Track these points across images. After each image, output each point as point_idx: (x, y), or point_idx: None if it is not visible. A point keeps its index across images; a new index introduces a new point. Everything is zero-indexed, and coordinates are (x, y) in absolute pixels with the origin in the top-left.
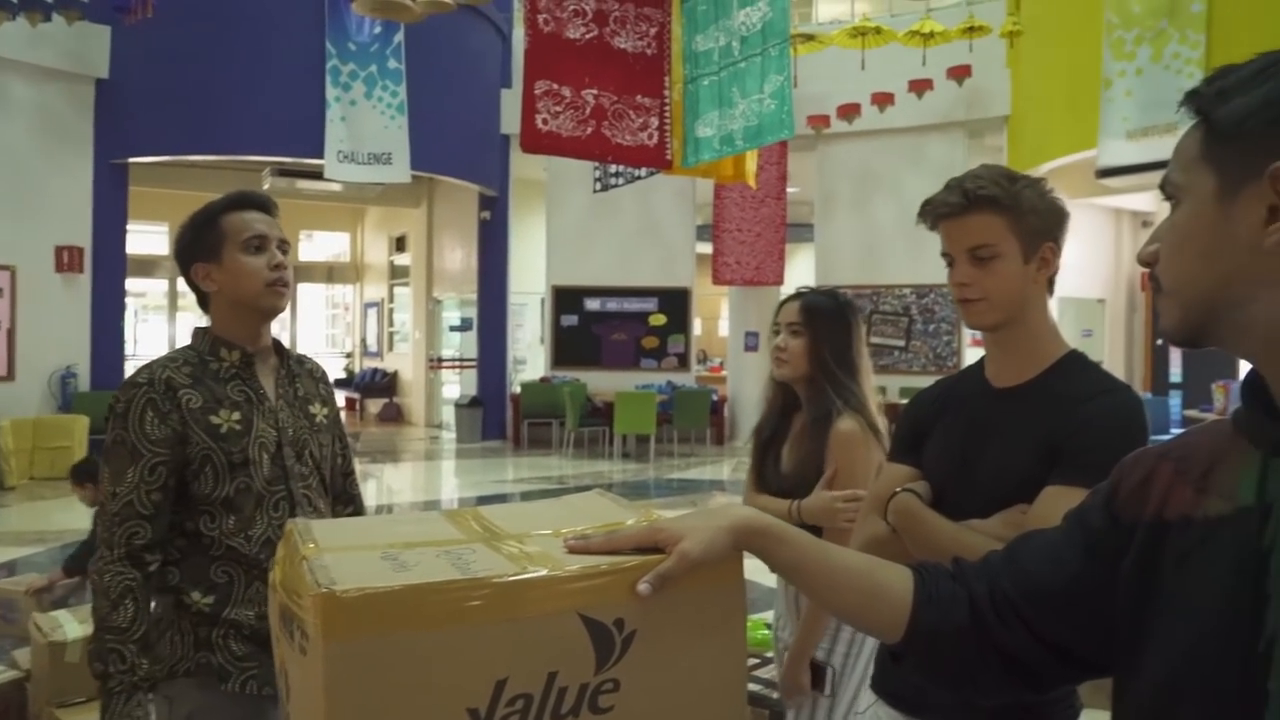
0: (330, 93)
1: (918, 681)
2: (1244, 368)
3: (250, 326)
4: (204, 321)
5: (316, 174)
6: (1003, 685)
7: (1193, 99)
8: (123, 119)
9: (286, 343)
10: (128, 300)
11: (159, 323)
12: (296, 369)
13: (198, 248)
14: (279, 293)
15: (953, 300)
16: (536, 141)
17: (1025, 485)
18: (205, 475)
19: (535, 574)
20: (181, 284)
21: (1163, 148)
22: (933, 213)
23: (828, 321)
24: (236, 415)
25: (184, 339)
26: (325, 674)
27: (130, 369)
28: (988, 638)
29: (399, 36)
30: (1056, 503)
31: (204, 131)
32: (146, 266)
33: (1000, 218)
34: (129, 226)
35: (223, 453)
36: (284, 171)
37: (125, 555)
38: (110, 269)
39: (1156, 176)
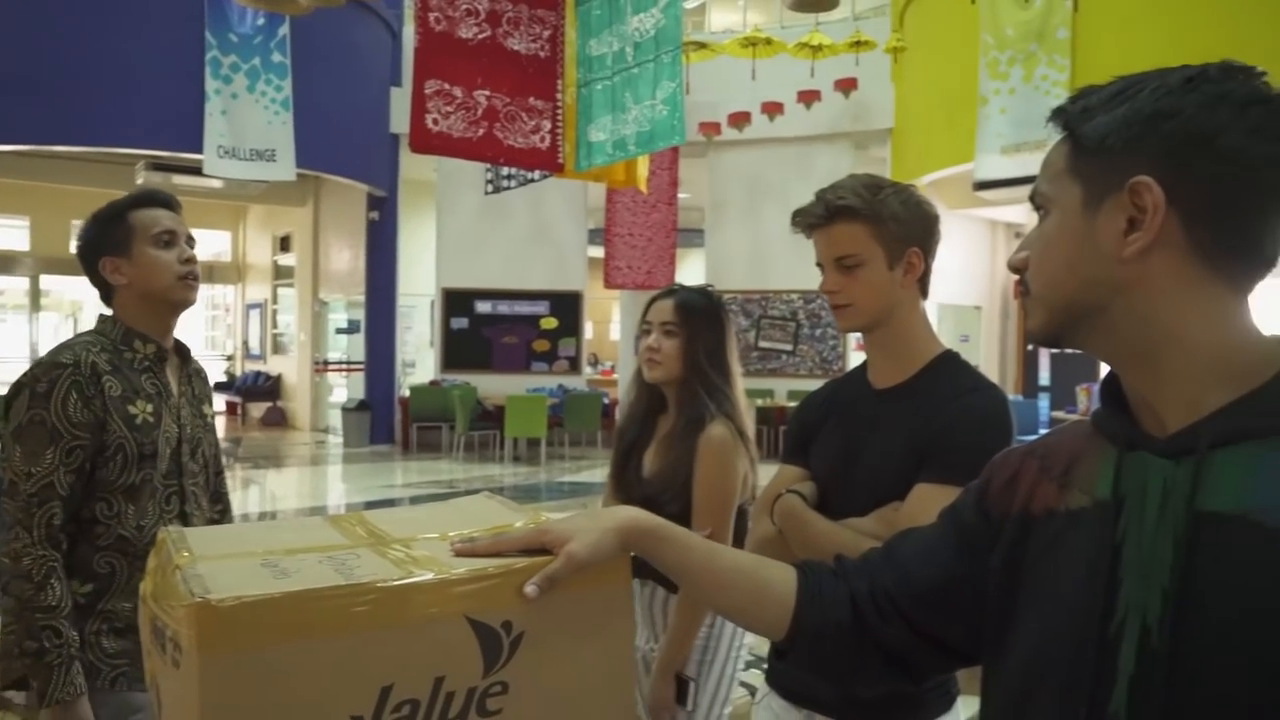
0: (210, 85)
1: (805, 675)
2: (1105, 371)
3: (160, 320)
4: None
5: (195, 169)
6: (883, 677)
7: (1059, 115)
8: None
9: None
10: None
11: (19, 322)
12: (192, 367)
13: (105, 242)
14: (190, 285)
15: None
16: (427, 142)
17: (900, 483)
18: (115, 462)
19: (421, 578)
20: (45, 281)
21: (1034, 163)
22: (801, 222)
23: (703, 321)
24: (150, 407)
25: (48, 340)
26: (200, 688)
27: None
28: (868, 632)
29: (284, 30)
30: (925, 500)
31: (70, 121)
32: (4, 263)
33: (862, 227)
34: None
35: (135, 443)
36: (159, 166)
37: (45, 537)
38: None
39: (1029, 190)
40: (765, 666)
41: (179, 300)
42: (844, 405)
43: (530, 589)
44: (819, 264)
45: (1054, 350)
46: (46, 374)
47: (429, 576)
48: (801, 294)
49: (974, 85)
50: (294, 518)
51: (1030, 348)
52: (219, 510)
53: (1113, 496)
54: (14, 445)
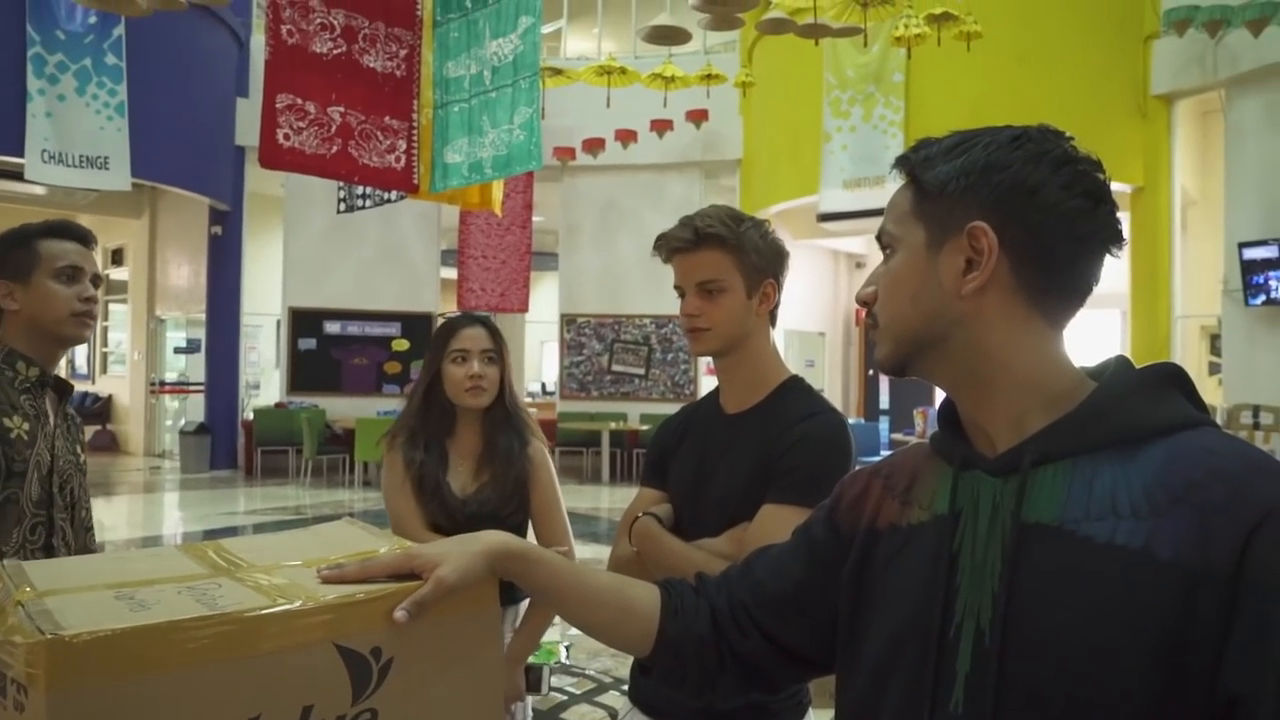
0: (33, 84)
1: (667, 690)
2: (939, 396)
3: (46, 351)
4: None
5: (15, 173)
6: (741, 688)
7: (904, 163)
8: None
9: None
10: None
11: None
12: (69, 406)
13: (7, 266)
14: (85, 324)
15: (682, 330)
16: (277, 157)
17: (749, 504)
18: None
19: (287, 605)
20: None
21: (873, 197)
22: (666, 246)
23: (506, 346)
24: (26, 426)
25: None
26: None
27: None
28: (727, 645)
29: (119, 30)
30: (771, 519)
31: None
32: None
33: (727, 255)
34: None
35: (4, 457)
36: None
37: None
38: None
39: (869, 222)
40: (625, 687)
41: (69, 336)
42: (698, 429)
43: (400, 614)
44: (677, 287)
45: (894, 377)
46: None
47: (297, 604)
48: (654, 319)
49: (818, 121)
50: (143, 548)
51: (871, 373)
52: (86, 541)
53: (950, 511)
54: None
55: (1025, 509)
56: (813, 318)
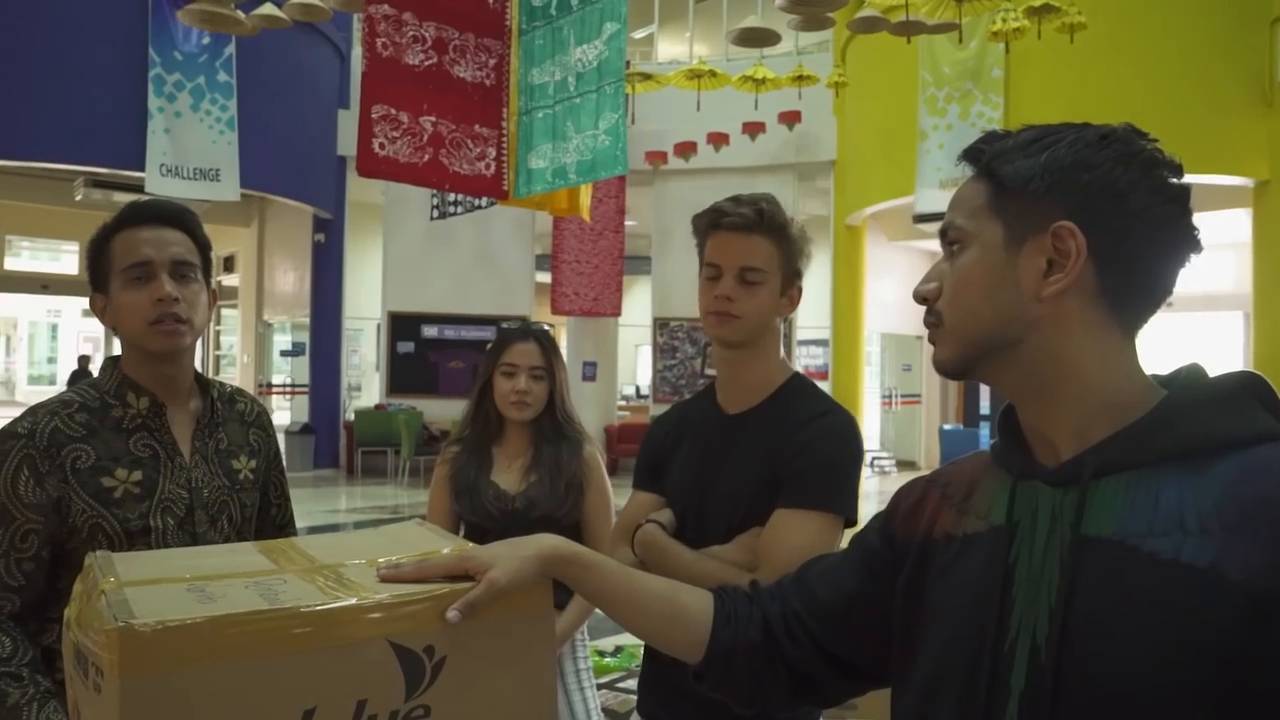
0: (153, 103)
1: (681, 706)
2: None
3: (154, 370)
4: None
5: (136, 187)
6: (793, 698)
7: (976, 155)
8: None
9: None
10: None
11: None
12: (224, 413)
13: (93, 275)
14: (167, 331)
15: (705, 311)
16: (373, 166)
17: (757, 507)
18: (96, 543)
19: (344, 602)
20: None
21: None
22: (716, 221)
23: (558, 359)
24: (137, 475)
25: None
26: (121, 712)
27: None
28: (779, 655)
29: (230, 49)
30: (786, 525)
31: (5, 135)
32: None
33: (777, 247)
34: None
35: (117, 520)
36: (99, 183)
37: None
38: None
39: None
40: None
41: (154, 350)
42: (695, 430)
43: (452, 614)
44: (712, 264)
45: (954, 380)
46: (1, 445)
47: (352, 601)
48: None
49: (913, 120)
50: (223, 544)
51: None
52: None
53: (1007, 522)
54: None
55: (1085, 522)
56: (909, 321)
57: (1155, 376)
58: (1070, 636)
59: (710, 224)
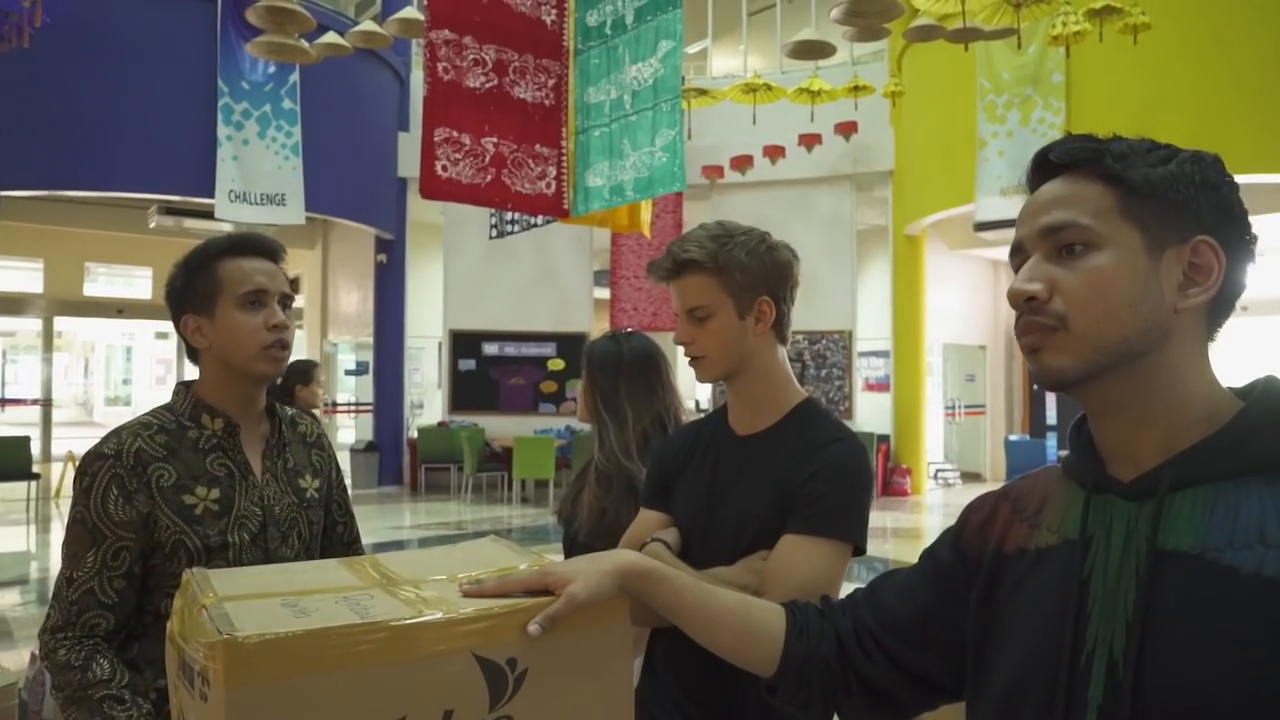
0: (222, 131)
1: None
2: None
3: (240, 391)
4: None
5: (205, 212)
6: (868, 712)
7: (1094, 156)
8: None
9: (171, 386)
10: None
11: (31, 363)
12: (288, 435)
13: (190, 296)
14: (275, 357)
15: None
16: (436, 188)
17: (765, 530)
18: (178, 560)
19: (431, 617)
20: (59, 323)
21: None
22: (653, 275)
23: (598, 368)
24: (215, 493)
25: (60, 381)
26: (227, 719)
27: (6, 414)
28: (853, 669)
29: (294, 77)
30: (793, 551)
31: (84, 166)
32: (17, 304)
33: (708, 278)
34: None
35: (198, 536)
36: (172, 210)
37: (84, 635)
38: None
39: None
40: None
41: (259, 373)
42: (705, 450)
43: (533, 628)
44: (676, 314)
45: (1058, 390)
46: (90, 466)
47: (438, 615)
48: (806, 334)
49: (972, 128)
50: (309, 562)
51: (1036, 387)
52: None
53: (1080, 536)
54: (64, 546)
55: (1162, 536)
56: (972, 330)
57: (1231, 388)
58: (1149, 651)
59: (656, 279)
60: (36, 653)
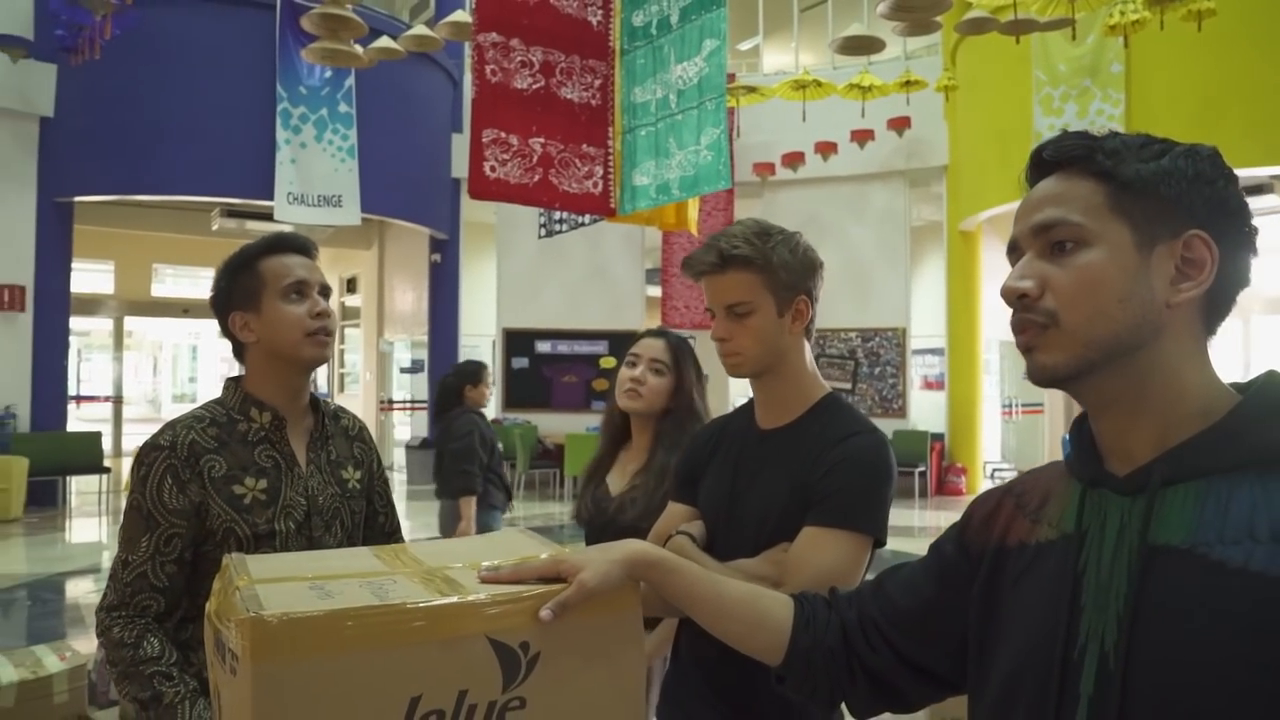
0: (280, 135)
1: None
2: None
3: (289, 381)
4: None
5: (265, 214)
6: (873, 702)
7: (1082, 150)
8: (68, 158)
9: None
10: (70, 339)
11: (103, 362)
12: (331, 428)
13: (235, 295)
14: (321, 343)
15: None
16: (485, 188)
17: (786, 522)
18: (229, 546)
19: (447, 600)
20: (129, 322)
21: None
22: (692, 270)
23: (689, 363)
24: (263, 484)
25: (130, 379)
26: (253, 692)
27: (73, 409)
28: (857, 659)
29: (350, 81)
30: (813, 543)
31: (151, 171)
32: (90, 305)
33: (754, 275)
34: (72, 265)
35: (247, 525)
36: (233, 213)
37: (136, 615)
38: (53, 308)
39: None
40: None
41: (307, 359)
42: (730, 444)
43: (545, 613)
44: (709, 309)
45: (1052, 387)
46: (146, 456)
47: (454, 599)
48: (859, 332)
49: (1028, 121)
50: (342, 549)
51: None
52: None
53: (1076, 530)
54: (120, 531)
55: (1153, 530)
56: None
57: (1233, 384)
58: (1138, 643)
59: (692, 275)
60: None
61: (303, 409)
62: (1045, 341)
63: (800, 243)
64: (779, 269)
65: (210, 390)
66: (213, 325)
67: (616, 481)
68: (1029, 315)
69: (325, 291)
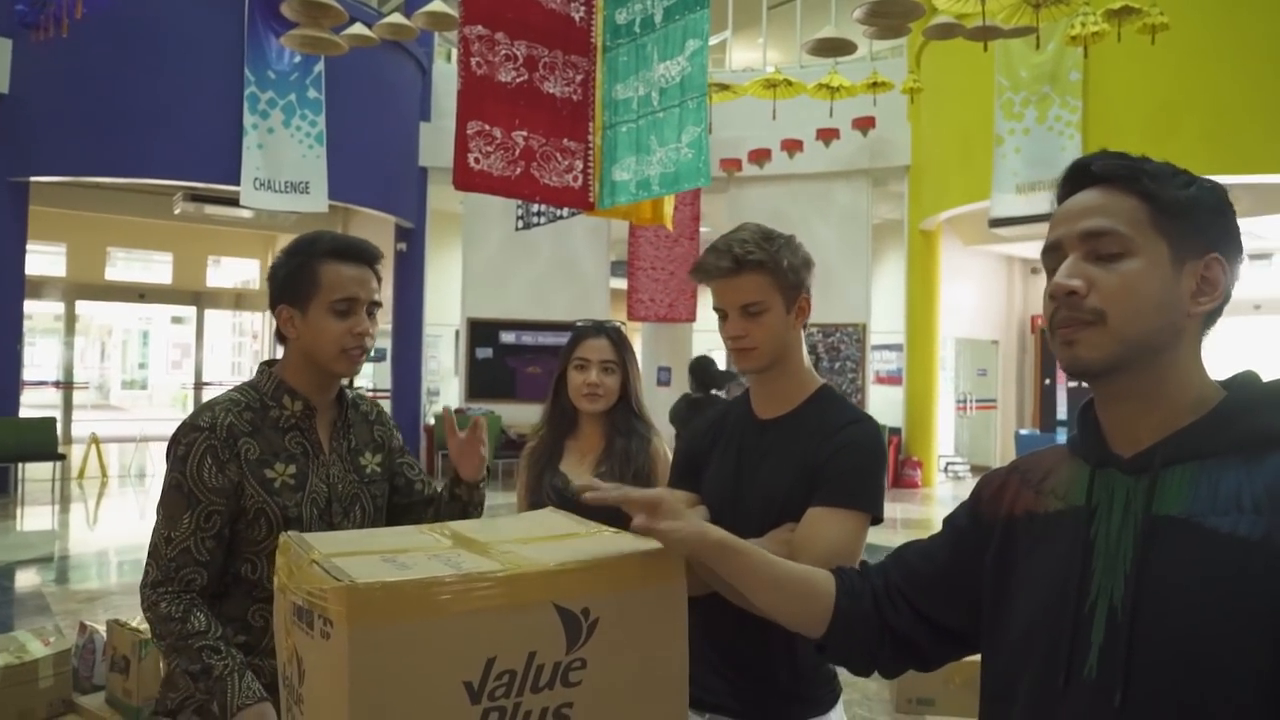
0: (248, 120)
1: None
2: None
3: (317, 381)
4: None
5: (228, 199)
6: (897, 660)
7: (1126, 170)
8: (24, 137)
9: (191, 373)
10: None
11: (48, 346)
12: (352, 416)
13: (289, 290)
14: (354, 359)
15: (728, 349)
16: (469, 180)
17: (790, 505)
18: (259, 526)
19: (518, 569)
20: (80, 306)
21: (1048, 201)
22: (706, 275)
23: (631, 354)
24: (292, 469)
25: (76, 364)
26: (350, 653)
27: (25, 396)
28: (884, 621)
29: (319, 67)
30: (819, 521)
31: (113, 153)
32: (38, 288)
33: (766, 277)
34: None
35: (277, 506)
36: (195, 196)
37: (183, 590)
38: (6, 291)
39: (1043, 227)
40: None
41: (338, 372)
42: (730, 434)
43: (639, 521)
44: (718, 309)
45: (1071, 384)
46: (185, 436)
47: (527, 569)
48: (820, 327)
49: (989, 125)
50: (383, 529)
51: (1048, 382)
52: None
53: (1087, 503)
54: (159, 509)
55: (1156, 503)
56: (985, 325)
57: (1217, 380)
58: (1143, 597)
59: (699, 276)
60: (85, 622)
61: (331, 401)
62: (1087, 338)
63: (798, 244)
64: (787, 270)
65: (160, 377)
66: (165, 311)
67: (574, 470)
68: (1075, 313)
69: (373, 309)
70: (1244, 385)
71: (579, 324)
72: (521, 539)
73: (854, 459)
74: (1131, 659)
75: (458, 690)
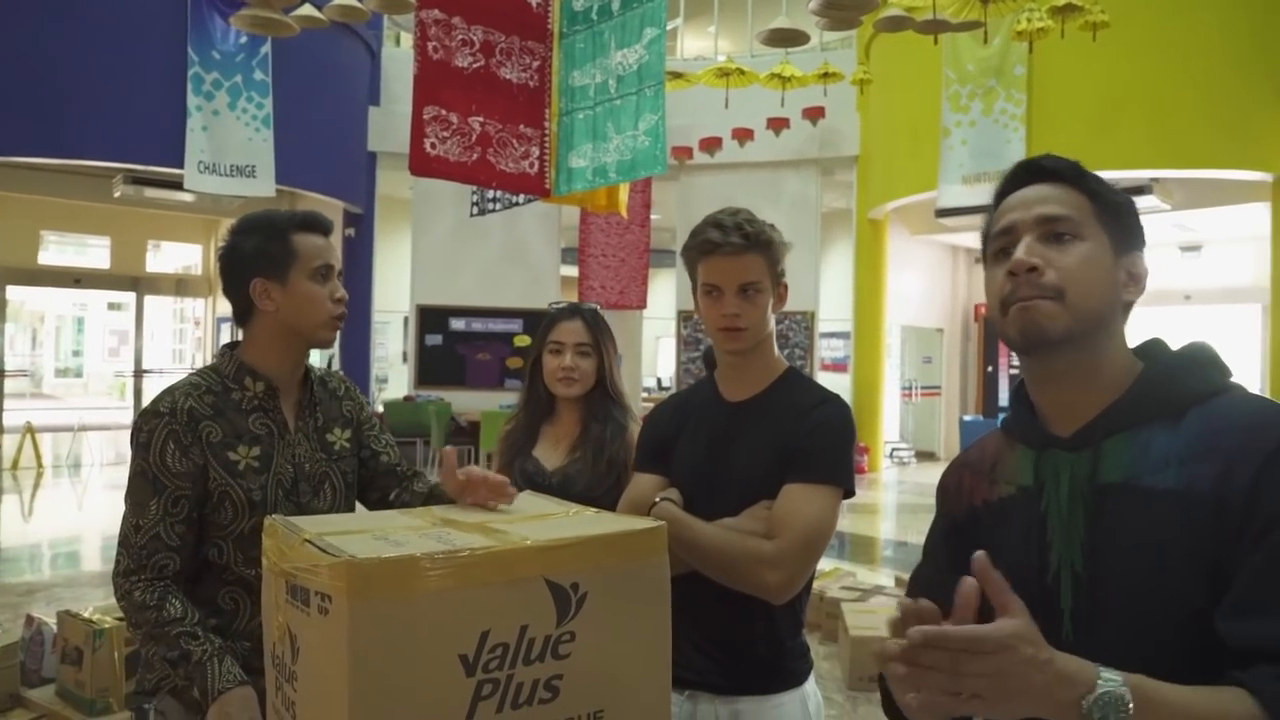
0: (191, 101)
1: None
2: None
3: (293, 355)
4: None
5: (170, 182)
6: None
7: (1068, 169)
8: None
9: (130, 359)
10: None
11: None
12: (319, 393)
13: (263, 262)
14: (336, 326)
15: (714, 328)
16: (425, 165)
17: (767, 483)
18: (224, 510)
19: (512, 545)
20: (11, 291)
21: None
22: (711, 249)
23: (608, 338)
24: (256, 451)
25: (5, 352)
26: (350, 629)
27: None
28: None
29: (265, 48)
30: (796, 497)
31: (47, 134)
32: None
33: (764, 258)
34: None
35: (241, 489)
36: (136, 180)
37: (156, 577)
38: None
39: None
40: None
41: (322, 340)
42: (699, 416)
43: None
44: (709, 286)
45: (1014, 371)
46: (146, 424)
47: (518, 544)
48: None
49: (936, 117)
50: (366, 513)
51: (990, 369)
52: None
53: (1034, 483)
54: (126, 497)
55: (1099, 474)
56: (930, 313)
57: (1130, 350)
58: (1098, 562)
59: (704, 252)
60: (32, 615)
61: (299, 380)
62: (1048, 309)
63: (776, 229)
64: (778, 256)
65: (96, 364)
66: (101, 297)
67: (549, 456)
68: (1035, 289)
69: (341, 276)
70: (1157, 355)
71: (552, 305)
72: (506, 519)
73: (827, 437)
74: (1095, 616)
75: (453, 662)
